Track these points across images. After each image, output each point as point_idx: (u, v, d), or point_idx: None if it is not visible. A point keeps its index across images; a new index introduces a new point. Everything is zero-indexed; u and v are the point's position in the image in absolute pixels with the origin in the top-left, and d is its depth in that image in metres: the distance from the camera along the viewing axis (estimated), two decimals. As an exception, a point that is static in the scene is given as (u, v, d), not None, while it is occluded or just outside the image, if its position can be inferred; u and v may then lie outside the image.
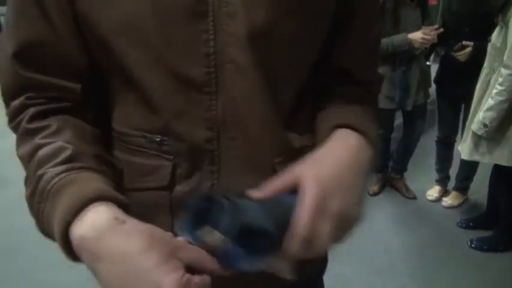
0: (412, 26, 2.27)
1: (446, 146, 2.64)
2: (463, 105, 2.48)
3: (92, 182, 0.45)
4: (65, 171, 0.45)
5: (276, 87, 0.53)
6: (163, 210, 0.55)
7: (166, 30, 0.48)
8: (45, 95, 0.52)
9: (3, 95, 0.54)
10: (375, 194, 2.81)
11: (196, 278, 0.38)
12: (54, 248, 0.44)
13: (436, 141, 2.68)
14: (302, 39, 0.53)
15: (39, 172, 0.46)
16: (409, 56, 2.31)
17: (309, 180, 0.45)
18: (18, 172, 0.52)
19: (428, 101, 2.62)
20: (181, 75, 0.50)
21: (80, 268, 0.44)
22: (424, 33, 2.19)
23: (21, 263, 2.13)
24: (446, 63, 2.46)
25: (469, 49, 2.23)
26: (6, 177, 2.73)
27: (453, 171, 2.70)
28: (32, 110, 0.51)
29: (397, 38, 2.25)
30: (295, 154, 0.55)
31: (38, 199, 0.45)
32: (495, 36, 1.93)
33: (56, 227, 0.41)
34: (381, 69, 2.39)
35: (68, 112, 0.53)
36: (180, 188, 0.54)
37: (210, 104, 0.51)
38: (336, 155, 0.51)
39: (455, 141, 2.61)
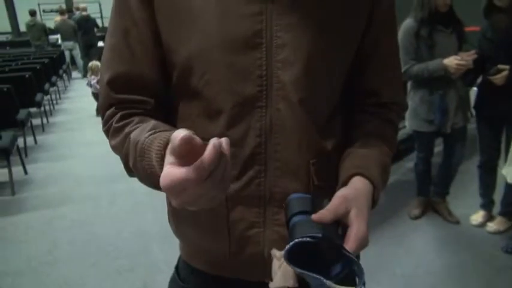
0: (447, 52, 2.30)
1: (488, 171, 2.62)
2: (504, 128, 2.48)
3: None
4: (152, 134, 0.58)
5: (314, 101, 0.67)
6: (219, 203, 0.67)
7: (229, 57, 0.63)
8: (129, 106, 0.69)
9: (100, 108, 0.73)
10: (416, 218, 2.80)
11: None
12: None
13: (478, 165, 2.67)
14: (335, 64, 0.68)
15: (134, 141, 0.60)
16: (446, 80, 2.35)
17: (356, 218, 0.57)
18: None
19: (469, 124, 2.63)
20: (239, 93, 0.64)
21: None
22: (459, 59, 2.22)
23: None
24: (484, 87, 2.48)
25: (505, 72, 2.23)
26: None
27: (498, 196, 2.67)
28: (119, 114, 0.68)
29: (432, 64, 2.30)
30: (327, 155, 0.69)
31: (140, 158, 0.58)
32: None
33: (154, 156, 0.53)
34: (419, 93, 2.46)
35: (143, 115, 0.69)
36: (233, 186, 0.68)
37: (260, 115, 0.65)
38: (362, 198, 0.62)
39: (497, 165, 2.59)
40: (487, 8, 2.31)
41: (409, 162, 3.32)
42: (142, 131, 0.61)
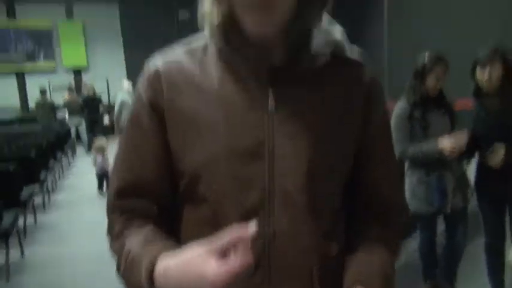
0: (441, 131, 2.34)
1: (494, 252, 2.54)
2: (507, 209, 2.45)
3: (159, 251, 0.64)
4: (143, 247, 0.66)
5: (316, 208, 0.70)
6: None
7: (234, 168, 0.67)
8: (134, 213, 0.73)
9: (106, 211, 0.77)
10: (425, 305, 2.69)
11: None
12: None
13: (484, 248, 2.60)
14: (335, 170, 0.72)
15: (128, 251, 0.68)
16: (442, 162, 2.36)
17: None
18: None
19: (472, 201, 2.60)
20: (243, 202, 0.67)
21: None
22: (453, 141, 2.25)
23: None
24: (482, 167, 2.46)
25: (502, 151, 2.23)
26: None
27: (509, 275, 2.58)
28: (122, 220, 0.72)
29: (426, 147, 2.33)
30: (331, 261, 0.72)
31: (130, 266, 0.67)
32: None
33: (144, 273, 0.62)
34: (416, 174, 2.48)
35: (148, 221, 0.73)
36: None
37: (263, 223, 0.67)
38: None
39: (504, 247, 2.53)
40: (477, 92, 2.39)
41: (414, 242, 3.26)
42: (137, 241, 0.67)
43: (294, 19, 0.65)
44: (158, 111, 0.71)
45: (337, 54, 0.74)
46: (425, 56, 2.40)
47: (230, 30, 0.66)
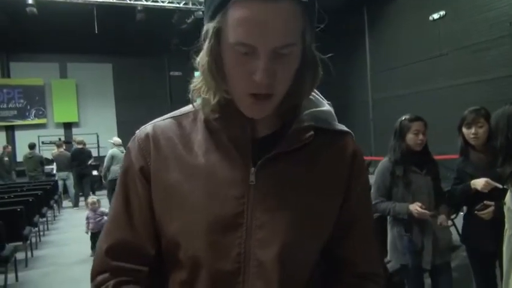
0: (422, 191, 2.44)
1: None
2: (497, 263, 2.43)
3: None
4: None
5: (290, 279, 0.72)
6: None
7: (212, 237, 0.69)
8: (123, 274, 0.73)
9: (92, 271, 0.76)
10: None
11: None
12: None
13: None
14: (312, 243, 0.75)
15: None
16: (417, 220, 2.40)
17: None
18: None
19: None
20: (219, 269, 0.70)
21: None
22: (420, 205, 2.33)
23: None
24: (470, 222, 2.50)
25: (491, 208, 2.28)
26: None
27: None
28: (112, 282, 0.72)
29: (399, 206, 2.41)
30: None
31: None
32: (508, 199, 2.00)
33: None
34: (396, 228, 2.50)
35: (137, 284, 0.73)
36: None
37: None
38: None
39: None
40: (464, 147, 2.50)
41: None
42: None
43: (286, 97, 0.69)
44: (146, 176, 0.75)
45: (323, 125, 0.77)
46: (403, 117, 2.54)
47: (224, 111, 0.72)
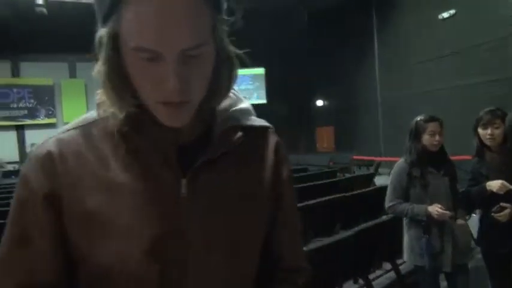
0: (440, 192, 2.39)
1: (503, 308, 2.50)
2: None
3: None
4: None
5: (235, 284, 0.69)
6: None
7: (151, 260, 0.61)
8: None
9: None
10: None
11: None
12: None
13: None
14: (251, 249, 0.71)
15: None
16: (436, 221, 2.37)
17: None
18: None
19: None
20: None
21: None
22: (440, 207, 2.30)
23: None
24: (485, 223, 2.48)
25: (508, 210, 2.26)
26: None
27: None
28: None
29: (417, 207, 2.37)
30: None
31: None
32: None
33: None
34: (413, 229, 2.47)
35: None
36: None
37: None
38: None
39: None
40: (480, 148, 2.47)
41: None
42: None
43: (203, 103, 0.63)
44: (54, 201, 0.61)
45: (247, 124, 0.73)
46: (419, 117, 2.51)
47: (136, 122, 0.63)
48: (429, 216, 2.33)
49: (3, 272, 0.62)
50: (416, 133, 2.47)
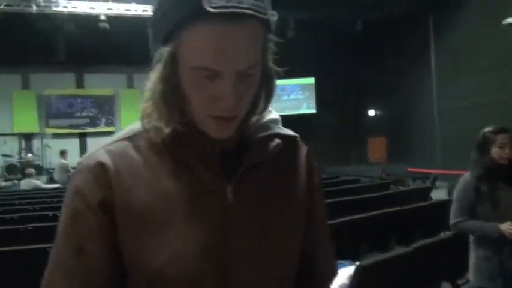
0: None
1: None
2: None
3: None
4: None
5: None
6: None
7: (204, 260, 0.64)
8: None
9: None
10: None
11: None
12: None
13: None
14: (293, 256, 0.76)
15: None
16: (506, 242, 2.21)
17: None
18: None
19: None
20: None
21: None
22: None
23: None
24: None
25: None
26: None
27: None
28: None
29: (487, 226, 2.21)
30: None
31: None
32: None
33: None
34: (483, 249, 2.31)
35: None
36: None
37: None
38: None
39: None
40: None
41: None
42: None
43: (245, 116, 0.68)
44: (107, 210, 0.64)
45: (280, 132, 0.77)
46: (487, 129, 2.37)
47: (180, 136, 0.66)
48: (501, 235, 2.16)
49: (61, 282, 0.64)
50: (484, 145, 2.32)
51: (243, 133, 0.73)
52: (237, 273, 0.67)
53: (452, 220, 2.38)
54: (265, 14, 0.59)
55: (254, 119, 0.74)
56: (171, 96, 0.63)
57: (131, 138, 0.70)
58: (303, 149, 0.81)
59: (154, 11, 0.64)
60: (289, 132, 0.80)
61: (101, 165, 0.66)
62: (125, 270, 0.67)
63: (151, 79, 0.64)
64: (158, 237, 0.64)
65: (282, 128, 0.79)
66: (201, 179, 0.67)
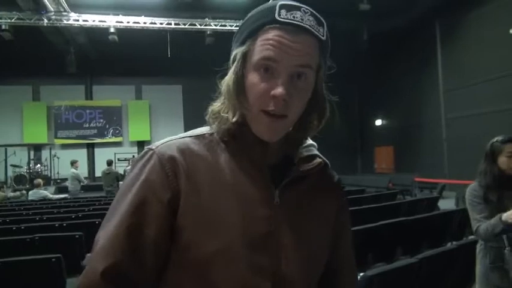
0: None
1: None
2: None
3: None
4: None
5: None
6: None
7: (249, 254, 0.72)
8: None
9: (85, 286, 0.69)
10: None
11: None
12: None
13: None
14: (321, 263, 0.83)
15: None
16: None
17: None
18: None
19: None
20: (255, 286, 0.73)
21: None
22: None
23: None
24: None
25: None
26: None
27: None
28: None
29: (493, 220, 2.18)
30: None
31: None
32: None
33: None
34: (490, 256, 2.28)
35: None
36: None
37: None
38: None
39: None
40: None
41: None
42: None
43: (294, 130, 0.78)
44: (172, 198, 0.72)
45: (319, 155, 0.86)
46: (494, 139, 2.36)
47: (240, 132, 0.77)
48: (506, 224, 2.11)
49: (105, 250, 0.69)
50: (492, 155, 2.31)
51: (290, 151, 0.82)
52: (283, 264, 0.75)
53: (474, 227, 2.33)
54: (322, 35, 0.73)
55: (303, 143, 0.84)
56: (240, 88, 0.74)
57: (197, 137, 0.80)
58: (335, 174, 0.91)
59: (241, 25, 0.78)
60: (324, 158, 0.88)
61: (172, 159, 0.75)
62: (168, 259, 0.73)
63: (226, 78, 0.76)
64: (214, 229, 0.72)
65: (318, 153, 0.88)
66: (255, 179, 0.77)
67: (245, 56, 0.73)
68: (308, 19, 0.72)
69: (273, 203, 0.76)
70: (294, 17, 0.71)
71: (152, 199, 0.72)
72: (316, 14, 0.74)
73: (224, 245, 0.72)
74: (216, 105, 0.79)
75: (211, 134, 0.80)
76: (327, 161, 0.88)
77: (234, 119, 0.76)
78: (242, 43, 0.74)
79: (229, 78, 0.75)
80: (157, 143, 0.79)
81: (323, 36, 0.74)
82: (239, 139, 0.77)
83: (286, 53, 0.70)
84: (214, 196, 0.74)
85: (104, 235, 0.71)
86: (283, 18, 0.71)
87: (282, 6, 0.72)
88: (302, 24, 0.71)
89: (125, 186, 0.75)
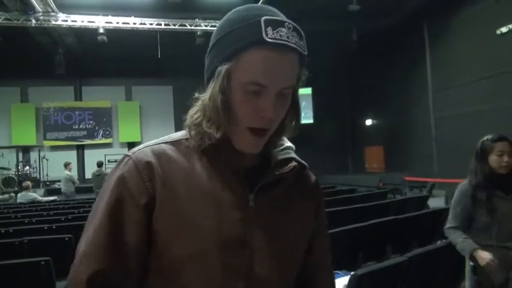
0: (509, 218, 2.18)
1: None
2: None
3: None
4: None
5: None
6: None
7: (224, 257, 0.75)
8: None
9: None
10: None
11: None
12: None
13: None
14: (296, 264, 0.86)
15: None
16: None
17: None
18: None
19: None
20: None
21: None
22: (491, 259, 2.07)
23: None
24: None
25: None
26: None
27: None
28: None
29: (467, 244, 2.18)
30: None
31: None
32: None
33: None
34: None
35: None
36: None
37: None
38: None
39: None
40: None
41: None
42: None
43: (271, 138, 0.80)
44: (148, 203, 0.74)
45: (296, 158, 0.87)
46: (485, 137, 2.36)
47: (222, 144, 0.78)
48: (474, 260, 2.13)
49: (87, 257, 0.72)
50: (483, 154, 2.30)
51: (267, 153, 0.84)
52: (256, 265, 0.77)
53: (445, 225, 2.38)
54: (304, 50, 0.75)
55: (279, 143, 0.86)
56: (226, 106, 0.74)
57: (173, 142, 0.81)
58: (312, 176, 0.94)
59: (220, 36, 0.76)
60: (301, 160, 0.90)
61: (148, 164, 0.76)
62: (148, 263, 0.76)
63: (207, 92, 0.77)
64: (190, 233, 0.74)
65: (296, 155, 0.90)
66: (230, 184, 0.79)
67: (230, 74, 0.74)
68: (292, 35, 0.73)
69: (247, 207, 0.78)
70: (280, 35, 0.71)
71: (129, 203, 0.74)
72: (297, 27, 0.75)
73: (197, 249, 0.74)
74: (195, 114, 0.79)
75: (187, 139, 0.81)
76: (305, 163, 0.90)
77: (218, 135, 0.76)
78: (226, 59, 0.74)
79: (215, 95, 0.74)
80: (135, 149, 0.80)
81: (305, 51, 0.75)
82: (218, 150, 0.79)
83: (276, 77, 0.72)
84: (189, 201, 0.75)
85: (85, 241, 0.74)
86: (271, 39, 0.71)
87: (267, 23, 0.71)
88: (289, 44, 0.72)
89: (103, 191, 0.77)
